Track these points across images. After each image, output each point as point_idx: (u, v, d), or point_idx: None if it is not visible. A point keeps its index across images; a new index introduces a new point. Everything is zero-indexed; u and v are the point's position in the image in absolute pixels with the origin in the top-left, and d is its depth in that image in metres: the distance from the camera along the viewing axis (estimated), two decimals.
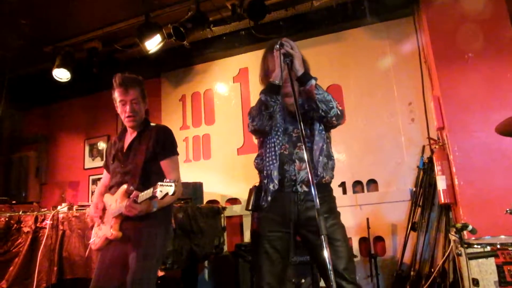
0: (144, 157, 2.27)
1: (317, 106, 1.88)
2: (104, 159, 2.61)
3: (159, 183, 1.92)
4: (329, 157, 2.00)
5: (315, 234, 1.83)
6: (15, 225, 2.99)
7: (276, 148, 1.93)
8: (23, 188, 5.48)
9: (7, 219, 2.99)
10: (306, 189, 1.89)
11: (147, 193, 2.00)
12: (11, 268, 2.88)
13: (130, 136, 2.42)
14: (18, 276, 2.86)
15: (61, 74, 4.56)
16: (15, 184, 5.55)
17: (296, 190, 1.91)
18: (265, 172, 1.93)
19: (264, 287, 1.88)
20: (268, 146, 1.96)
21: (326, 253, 1.39)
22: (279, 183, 1.90)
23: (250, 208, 2.04)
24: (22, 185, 5.50)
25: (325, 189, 1.96)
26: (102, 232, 2.28)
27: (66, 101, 5.71)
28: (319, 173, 1.91)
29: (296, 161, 1.92)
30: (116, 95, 2.34)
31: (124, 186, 2.22)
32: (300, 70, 1.86)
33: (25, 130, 6.02)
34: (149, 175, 2.22)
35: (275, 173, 1.90)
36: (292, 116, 2.01)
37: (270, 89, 1.89)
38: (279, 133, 1.97)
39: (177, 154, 2.37)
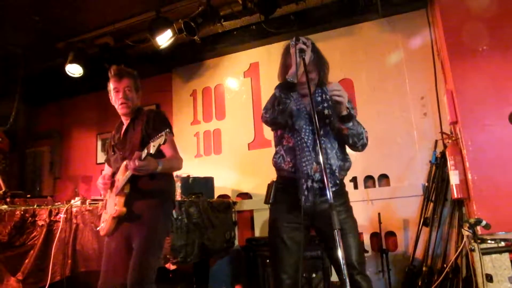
0: (139, 138, 2.32)
1: (346, 138, 1.99)
2: (106, 154, 2.66)
3: (151, 140, 1.98)
4: (345, 159, 2.09)
5: (328, 227, 1.87)
6: (30, 218, 3.03)
7: (311, 148, 1.99)
8: (38, 182, 5.58)
9: (22, 212, 3.04)
10: (321, 185, 1.95)
11: (144, 152, 2.04)
12: (26, 261, 2.92)
13: (125, 125, 2.47)
14: (33, 269, 2.90)
15: (74, 70, 4.61)
16: (29, 178, 5.65)
17: (312, 186, 1.97)
18: (302, 171, 1.97)
19: (282, 276, 1.96)
20: (302, 146, 2.00)
21: (339, 247, 1.45)
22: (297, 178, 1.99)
23: (269, 201, 2.11)
24: (37, 179, 5.60)
25: (340, 185, 2.07)
26: (108, 213, 2.32)
27: (79, 97, 5.78)
28: (337, 180, 2.02)
29: (314, 163, 1.97)
30: (111, 85, 2.43)
31: (124, 163, 2.27)
32: (344, 111, 1.93)
33: (39, 125, 6.10)
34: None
35: (313, 172, 1.96)
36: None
37: (285, 85, 1.93)
38: (307, 133, 2.02)
39: (171, 132, 2.33)
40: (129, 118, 2.45)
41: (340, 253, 1.44)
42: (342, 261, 1.44)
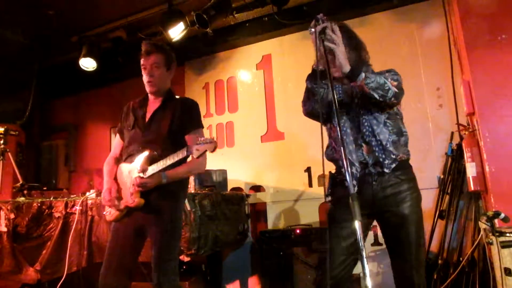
0: (168, 127, 2.23)
1: (372, 95, 1.77)
2: (119, 124, 2.48)
3: (196, 142, 1.94)
4: (399, 133, 1.95)
5: (392, 214, 1.88)
6: (47, 210, 3.08)
7: (348, 131, 1.89)
8: (53, 175, 5.66)
9: (39, 204, 3.09)
10: (379, 169, 1.86)
11: (158, 165, 2.06)
12: (44, 252, 2.98)
13: (153, 105, 2.36)
14: (50, 259, 2.96)
15: (87, 64, 4.65)
16: (45, 171, 5.73)
17: (369, 172, 1.88)
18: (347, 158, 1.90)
19: (327, 275, 1.84)
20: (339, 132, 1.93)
21: (361, 242, 1.36)
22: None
23: (327, 194, 2.02)
24: (52, 172, 5.68)
25: (403, 167, 1.93)
26: (122, 201, 2.23)
27: (93, 90, 5.82)
28: (392, 155, 1.87)
29: (363, 145, 1.89)
30: (141, 62, 2.32)
31: (146, 153, 2.17)
32: (345, 66, 1.74)
33: (54, 119, 6.18)
34: (172, 146, 2.14)
35: (354, 157, 1.86)
36: (350, 100, 1.96)
37: (312, 75, 1.87)
38: (345, 119, 1.93)
39: (203, 127, 2.34)
40: (159, 99, 2.34)
41: (361, 246, 1.33)
42: (363, 253, 1.34)
